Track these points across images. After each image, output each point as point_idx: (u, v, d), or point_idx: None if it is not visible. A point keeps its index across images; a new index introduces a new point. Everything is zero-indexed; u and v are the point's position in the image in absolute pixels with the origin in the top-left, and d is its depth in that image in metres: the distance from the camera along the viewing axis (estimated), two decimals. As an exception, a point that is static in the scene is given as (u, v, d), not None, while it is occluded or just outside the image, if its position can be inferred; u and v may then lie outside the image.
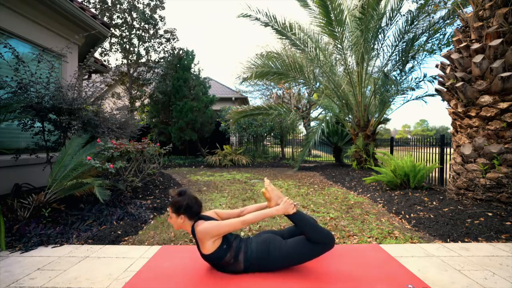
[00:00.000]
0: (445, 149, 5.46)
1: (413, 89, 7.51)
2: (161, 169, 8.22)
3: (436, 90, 4.47)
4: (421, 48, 7.03)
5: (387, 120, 11.96)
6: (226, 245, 1.85)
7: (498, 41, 3.40)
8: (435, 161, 5.56)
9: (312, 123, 17.72)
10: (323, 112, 15.61)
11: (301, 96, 18.77)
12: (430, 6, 6.40)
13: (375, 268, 2.00)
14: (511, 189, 3.38)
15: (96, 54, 9.61)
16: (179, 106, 10.01)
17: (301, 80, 8.63)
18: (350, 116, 8.69)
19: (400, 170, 4.80)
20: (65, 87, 3.92)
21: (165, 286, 1.77)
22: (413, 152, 6.65)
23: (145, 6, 10.12)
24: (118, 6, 9.68)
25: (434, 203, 3.85)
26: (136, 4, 9.94)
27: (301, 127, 20.50)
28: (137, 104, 11.14)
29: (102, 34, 5.59)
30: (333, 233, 3.06)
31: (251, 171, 8.83)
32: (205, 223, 1.83)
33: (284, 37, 8.13)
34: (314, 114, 19.98)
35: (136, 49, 10.36)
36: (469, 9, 4.27)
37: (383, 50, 7.60)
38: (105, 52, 10.17)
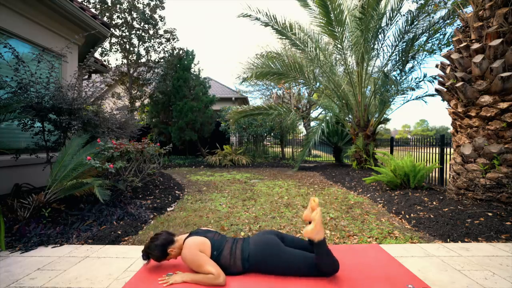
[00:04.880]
0: (445, 149, 5.46)
1: (413, 89, 7.51)
2: (161, 169, 8.22)
3: (436, 90, 4.47)
4: (421, 48, 7.03)
5: (387, 120, 11.93)
6: (216, 252, 1.85)
7: (498, 41, 3.40)
8: (435, 161, 5.56)
9: (312, 123, 17.71)
10: (323, 112, 15.61)
11: (301, 96, 18.78)
12: (430, 6, 6.39)
13: (375, 268, 2.00)
14: (511, 189, 3.38)
15: (96, 54, 9.61)
16: (179, 106, 10.01)
17: (301, 80, 8.63)
18: (350, 116, 8.69)
19: (400, 170, 4.80)
20: (65, 87, 3.92)
21: (165, 286, 1.77)
22: (413, 152, 6.65)
23: (145, 6, 10.13)
24: (118, 6, 9.68)
25: (434, 203, 3.85)
26: (136, 4, 9.95)
27: (301, 127, 20.53)
28: (137, 104, 11.14)
29: (102, 34, 5.59)
30: (333, 233, 3.07)
31: (251, 171, 8.83)
32: (192, 250, 1.80)
33: (284, 37, 8.13)
34: (314, 114, 20.00)
35: (136, 49, 10.37)
36: (469, 9, 4.27)
37: (383, 50, 7.61)
38: (105, 52, 10.18)
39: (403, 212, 3.69)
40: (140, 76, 10.94)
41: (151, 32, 10.34)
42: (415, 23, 6.74)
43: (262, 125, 11.25)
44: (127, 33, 10.02)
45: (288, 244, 1.94)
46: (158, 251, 1.88)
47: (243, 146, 12.26)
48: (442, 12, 6.45)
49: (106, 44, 10.12)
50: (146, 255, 1.94)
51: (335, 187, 5.91)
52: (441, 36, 6.67)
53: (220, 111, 12.01)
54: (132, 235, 2.99)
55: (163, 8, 10.46)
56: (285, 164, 10.68)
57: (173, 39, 10.83)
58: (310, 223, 1.85)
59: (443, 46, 6.73)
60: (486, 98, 3.56)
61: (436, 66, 4.42)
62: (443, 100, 4.40)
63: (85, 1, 9.26)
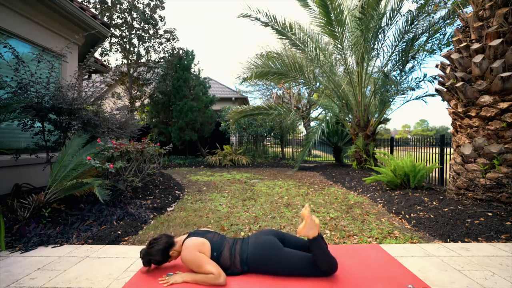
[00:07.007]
0: (445, 149, 5.46)
1: (413, 89, 7.52)
2: (161, 169, 8.22)
3: (436, 90, 4.47)
4: (421, 48, 7.03)
5: (387, 120, 11.94)
6: (216, 253, 1.85)
7: (498, 41, 3.40)
8: (435, 161, 5.56)
9: (312, 123, 17.72)
10: (323, 112, 15.60)
11: (301, 96, 18.78)
12: (430, 6, 6.40)
13: (375, 268, 2.00)
14: (511, 189, 3.38)
15: (96, 54, 9.61)
16: (179, 106, 10.01)
17: (301, 80, 8.63)
18: (350, 116, 8.69)
19: (400, 170, 4.80)
20: (65, 87, 3.92)
21: (166, 286, 1.77)
22: (413, 152, 6.65)
23: (145, 6, 10.13)
24: (118, 6, 9.67)
25: (434, 203, 3.85)
26: (136, 4, 9.95)
27: (301, 127, 20.52)
28: (137, 104, 11.14)
29: (102, 34, 5.59)
30: (333, 233, 3.07)
31: (251, 171, 8.83)
32: (191, 251, 1.80)
33: (284, 37, 8.13)
34: (314, 114, 20.00)
35: (136, 49, 10.36)
36: (469, 9, 4.27)
37: (383, 50, 7.61)
38: (105, 52, 10.17)
39: (403, 212, 3.69)
40: (140, 76, 10.94)
41: (151, 32, 10.34)
42: (415, 23, 6.74)
43: (262, 125, 11.25)
44: (127, 33, 10.01)
45: (289, 244, 1.94)
46: (160, 255, 1.87)
47: (243, 146, 12.26)
48: (442, 12, 6.46)
49: (106, 44, 10.12)
50: (147, 260, 1.91)
51: (335, 187, 5.91)
52: (441, 36, 6.67)
53: (220, 111, 12.01)
54: (132, 235, 2.99)
55: (163, 8, 10.46)
56: (285, 164, 10.68)
57: (173, 39, 10.83)
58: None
59: (443, 46, 6.74)
60: (486, 98, 3.56)
61: (436, 66, 4.42)
62: (443, 100, 4.40)
63: (85, 1, 9.26)
